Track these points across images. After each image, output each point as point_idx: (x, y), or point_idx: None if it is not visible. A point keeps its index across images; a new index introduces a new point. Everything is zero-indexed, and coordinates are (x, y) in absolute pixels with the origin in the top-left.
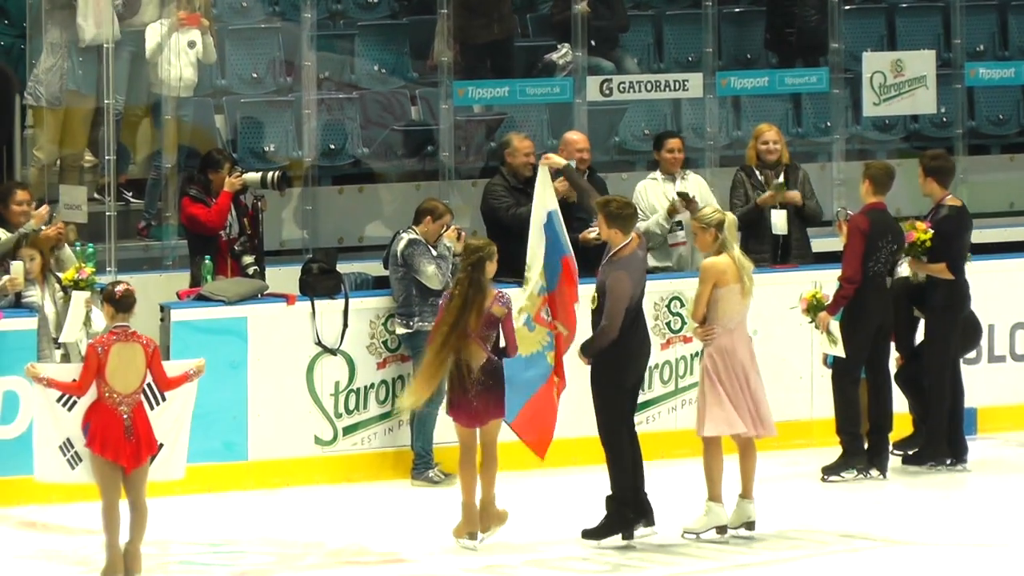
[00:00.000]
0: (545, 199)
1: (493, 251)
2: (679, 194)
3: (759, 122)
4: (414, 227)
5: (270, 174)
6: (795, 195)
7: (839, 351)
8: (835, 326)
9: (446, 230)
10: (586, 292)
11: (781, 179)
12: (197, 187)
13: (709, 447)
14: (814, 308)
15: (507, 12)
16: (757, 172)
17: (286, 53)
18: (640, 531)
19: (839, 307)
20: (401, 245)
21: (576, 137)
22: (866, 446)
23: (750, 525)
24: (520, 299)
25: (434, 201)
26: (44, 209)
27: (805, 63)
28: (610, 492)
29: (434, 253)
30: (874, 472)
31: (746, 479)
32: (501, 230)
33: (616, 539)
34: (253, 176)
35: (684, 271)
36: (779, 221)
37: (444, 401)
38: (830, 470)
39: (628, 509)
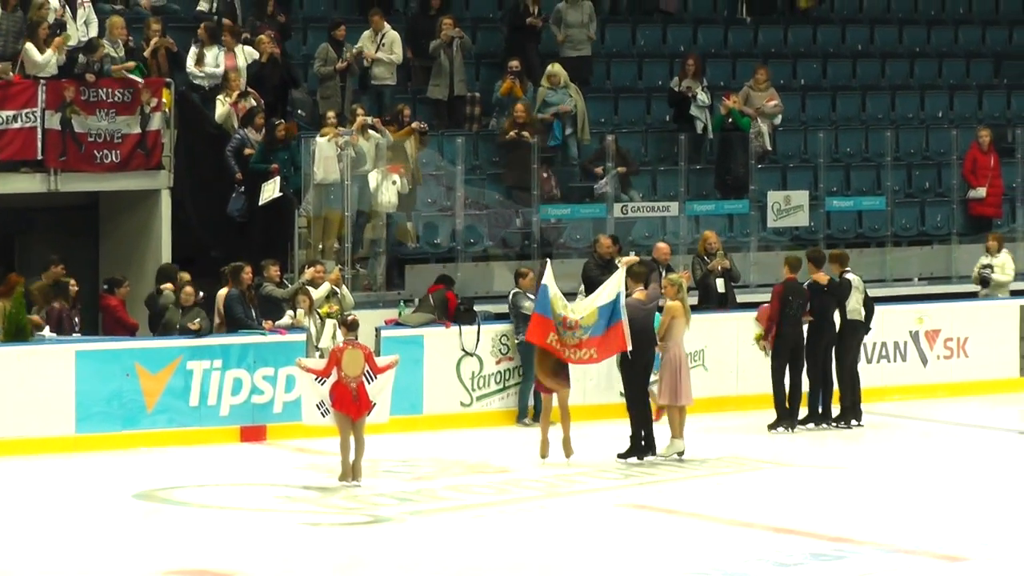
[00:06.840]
0: (620, 286)
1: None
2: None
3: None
4: (519, 286)
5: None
6: (725, 262)
7: (769, 359)
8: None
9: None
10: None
11: (715, 262)
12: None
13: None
14: (758, 336)
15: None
16: (704, 257)
17: (447, 187)
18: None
19: (769, 334)
20: (512, 296)
21: (662, 245)
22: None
23: (681, 454)
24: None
25: (519, 269)
26: (336, 273)
27: (736, 197)
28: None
29: (531, 297)
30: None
31: (679, 427)
32: (592, 287)
33: (633, 459)
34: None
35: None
36: (720, 288)
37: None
38: (772, 426)
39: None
